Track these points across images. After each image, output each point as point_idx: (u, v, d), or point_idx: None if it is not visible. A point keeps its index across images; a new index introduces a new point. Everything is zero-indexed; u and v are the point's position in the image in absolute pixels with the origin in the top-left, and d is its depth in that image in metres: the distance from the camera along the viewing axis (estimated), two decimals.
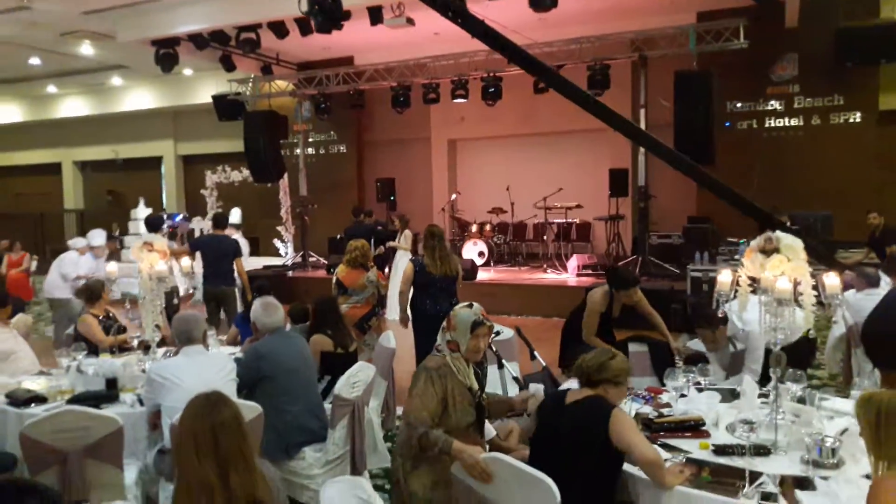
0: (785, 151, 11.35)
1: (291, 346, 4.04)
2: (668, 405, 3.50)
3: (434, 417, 2.97)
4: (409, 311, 5.96)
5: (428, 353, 5.66)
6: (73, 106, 18.71)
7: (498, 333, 4.58)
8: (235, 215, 12.14)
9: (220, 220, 8.16)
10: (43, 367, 4.75)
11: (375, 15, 10.31)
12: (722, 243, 10.17)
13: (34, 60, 14.66)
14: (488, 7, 9.89)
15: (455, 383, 3.09)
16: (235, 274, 7.65)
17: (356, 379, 3.96)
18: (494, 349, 4.31)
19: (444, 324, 3.22)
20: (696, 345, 4.68)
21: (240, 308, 7.42)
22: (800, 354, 4.23)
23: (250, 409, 3.46)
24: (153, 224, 8.55)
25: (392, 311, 10.54)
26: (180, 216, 12.79)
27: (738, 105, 11.78)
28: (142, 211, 13.30)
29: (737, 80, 11.27)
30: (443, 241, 5.91)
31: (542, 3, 9.32)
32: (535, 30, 11.62)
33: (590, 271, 11.75)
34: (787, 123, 11.53)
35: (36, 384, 4.06)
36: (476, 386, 3.18)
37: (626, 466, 2.79)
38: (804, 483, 2.62)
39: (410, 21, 10.60)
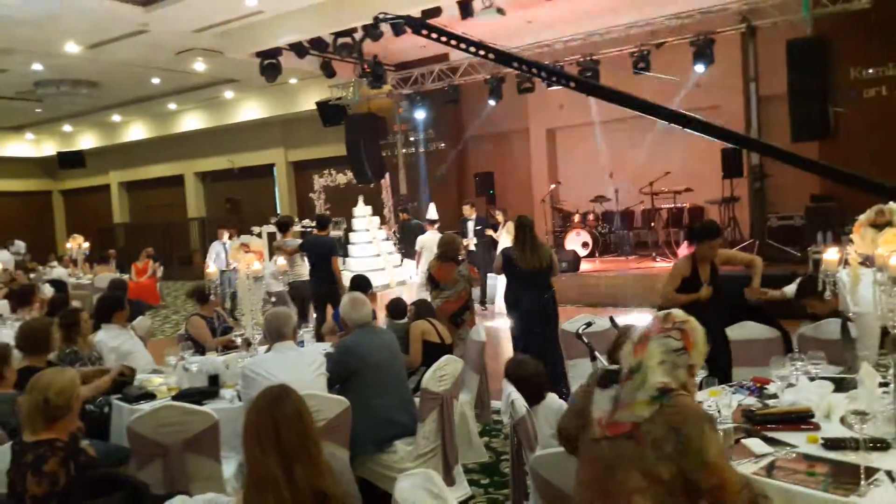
0: None
1: (379, 340, 4.07)
2: (774, 396, 3.23)
3: None
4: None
5: (520, 343, 5.64)
6: (191, 120, 19.93)
7: (590, 324, 4.44)
8: (432, 211, 11.97)
9: (322, 221, 8.52)
10: (159, 365, 5.05)
11: (465, 8, 10.27)
12: (848, 222, 9.36)
13: (155, 80, 15.73)
14: None
15: None
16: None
17: (443, 372, 3.94)
18: (587, 340, 4.17)
19: (681, 342, 2.21)
20: (812, 332, 4.30)
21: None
22: None
23: (338, 404, 3.52)
24: (284, 225, 9.16)
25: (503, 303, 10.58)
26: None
27: (864, 71, 10.81)
28: (360, 209, 13.90)
29: (860, 45, 10.31)
30: (533, 232, 5.77)
31: None
32: (632, 9, 11.20)
33: None
34: None
35: (149, 382, 4.33)
36: None
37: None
38: None
39: (501, 11, 10.50)
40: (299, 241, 8.90)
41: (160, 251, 17.41)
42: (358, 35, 11.42)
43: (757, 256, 4.96)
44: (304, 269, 8.37)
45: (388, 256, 13.33)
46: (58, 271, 13.26)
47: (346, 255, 13.00)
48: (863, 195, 8.49)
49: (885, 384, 3.04)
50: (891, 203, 2.98)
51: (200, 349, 5.12)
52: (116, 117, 20.34)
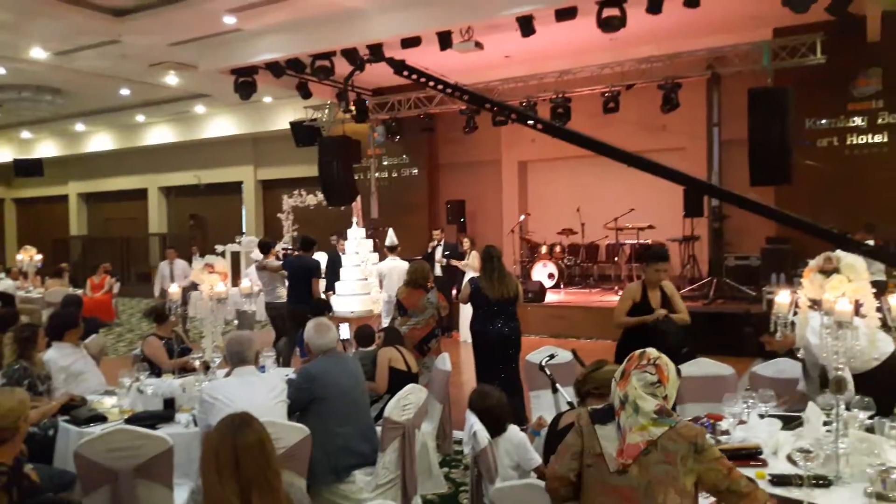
0: (868, 169, 10.75)
1: (343, 367, 4.05)
2: (726, 432, 3.32)
3: None
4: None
5: (484, 373, 5.67)
6: (159, 134, 19.70)
7: (552, 356, 4.49)
8: (391, 237, 11.81)
9: (307, 242, 8.54)
10: (111, 386, 4.93)
11: (445, 39, 10.40)
12: (801, 265, 9.65)
13: (124, 91, 15.54)
14: (559, 29, 9.85)
15: None
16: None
17: (407, 402, 3.93)
18: (549, 373, 4.21)
19: (657, 376, 2.45)
20: (765, 370, 4.42)
21: None
22: (884, 382, 3.93)
23: (298, 431, 3.48)
24: (265, 247, 9.24)
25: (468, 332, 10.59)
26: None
27: (818, 122, 11.25)
28: (353, 231, 13.77)
29: (815, 97, 10.76)
30: (500, 262, 5.83)
31: (610, 24, 9.17)
32: (605, 50, 11.50)
33: None
34: (870, 140, 10.92)
35: (100, 403, 4.21)
36: None
37: None
38: None
39: (479, 45, 10.66)
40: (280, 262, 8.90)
41: (118, 266, 17.09)
42: (336, 58, 11.46)
43: (687, 316, 5.02)
44: (283, 290, 8.42)
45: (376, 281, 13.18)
46: (5, 283, 12.77)
47: (336, 278, 12.86)
48: (814, 239, 8.86)
49: (829, 423, 3.15)
50: (838, 251, 3.12)
51: (156, 371, 5.01)
52: (80, 126, 19.99)
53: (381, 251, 13.90)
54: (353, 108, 12.94)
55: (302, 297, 7.90)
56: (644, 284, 4.98)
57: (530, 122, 9.79)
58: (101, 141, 20.85)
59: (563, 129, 9.96)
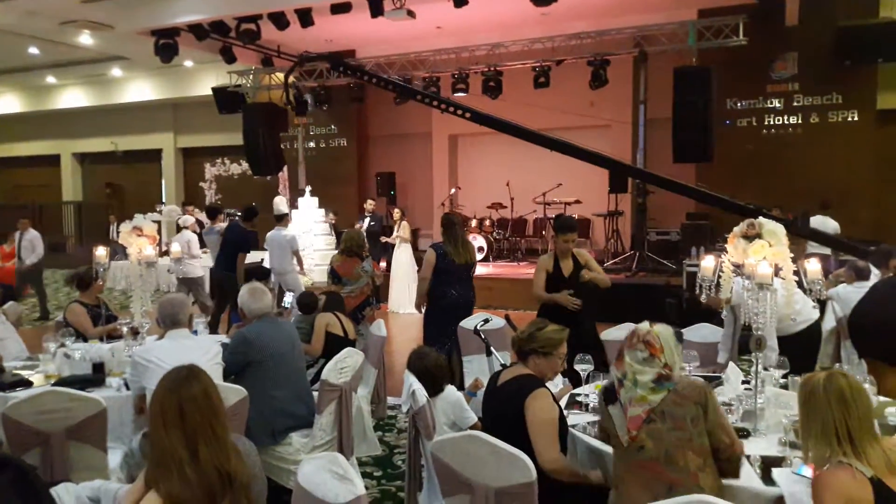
0: (784, 149, 11.32)
1: (279, 331, 4.02)
2: None
3: None
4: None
5: (439, 341, 5.66)
6: (72, 97, 18.69)
7: (487, 321, 4.59)
8: (282, 205, 11.61)
9: (247, 212, 8.52)
10: (31, 353, 4.74)
11: (376, 6, 10.24)
12: (719, 240, 10.16)
13: (33, 50, 14.63)
14: (492, 1, 9.89)
15: None
16: None
17: (344, 364, 3.95)
18: (483, 337, 4.31)
19: (647, 351, 2.50)
20: (689, 335, 4.64)
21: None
22: (810, 344, 4.24)
23: (235, 392, 3.45)
24: (214, 212, 9.45)
25: (398, 302, 10.57)
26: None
27: (738, 103, 11.75)
28: (305, 200, 13.46)
29: (737, 78, 11.23)
30: (462, 229, 5.87)
31: None
32: (537, 25, 11.62)
33: None
34: (786, 121, 11.50)
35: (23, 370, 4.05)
36: None
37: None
38: (781, 463, 2.64)
39: (411, 14, 10.55)
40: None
41: None
42: (263, 22, 11.14)
43: (606, 277, 5.21)
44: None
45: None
46: None
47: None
48: (732, 216, 9.34)
49: (747, 381, 3.37)
50: (760, 218, 3.30)
51: (81, 338, 4.83)
52: None
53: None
54: (292, 101, 12.66)
55: (228, 265, 7.94)
56: (556, 254, 5.09)
57: (459, 111, 10.26)
58: (7, 103, 19.62)
59: (491, 118, 10.47)
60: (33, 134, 20.44)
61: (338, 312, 5.11)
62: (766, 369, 3.25)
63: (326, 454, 2.30)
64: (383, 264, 11.21)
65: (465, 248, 5.76)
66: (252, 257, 8.70)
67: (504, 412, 2.94)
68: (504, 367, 4.11)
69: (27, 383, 3.82)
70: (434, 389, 3.47)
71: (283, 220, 9.45)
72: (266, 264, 9.32)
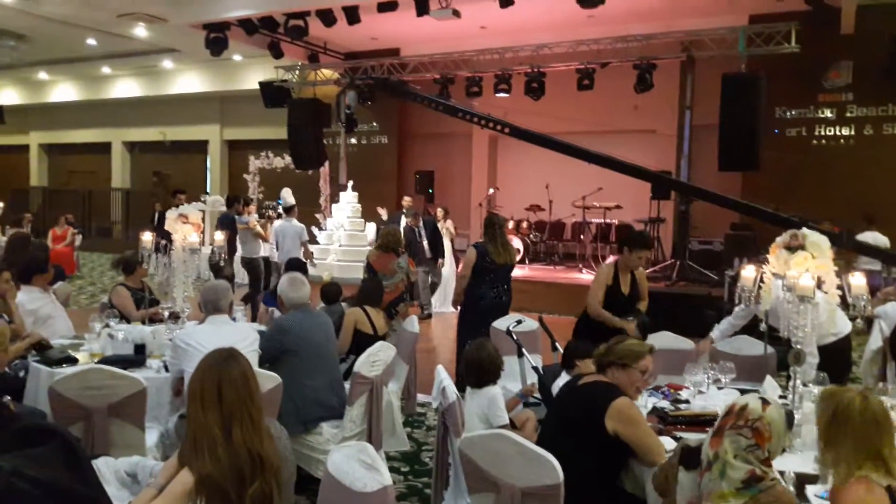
0: (835, 160, 11.05)
1: (315, 321, 4.09)
2: (686, 401, 3.46)
3: None
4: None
5: (470, 338, 5.62)
6: (125, 87, 19.19)
7: (520, 322, 4.59)
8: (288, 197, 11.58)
9: (228, 200, 9.44)
10: (78, 333, 4.90)
11: (422, 5, 10.33)
12: (763, 251, 9.95)
13: (91, 41, 15.07)
14: (537, 2, 9.87)
15: None
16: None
17: (376, 358, 3.99)
18: (515, 338, 4.31)
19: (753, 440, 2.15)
20: (723, 346, 4.58)
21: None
22: (838, 358, 4.13)
23: (270, 380, 3.52)
24: (230, 202, 9.65)
25: (434, 300, 10.60)
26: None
27: (788, 112, 11.49)
28: (347, 196, 13.82)
29: (787, 86, 10.99)
30: (503, 229, 5.88)
31: (590, 0, 9.23)
32: (583, 27, 11.55)
33: None
34: (838, 132, 11.21)
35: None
36: None
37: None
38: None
39: (456, 13, 10.61)
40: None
41: (79, 220, 16.68)
42: (310, 19, 11.30)
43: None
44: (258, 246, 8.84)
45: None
46: None
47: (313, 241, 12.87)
48: (779, 228, 9.14)
49: (784, 397, 3.31)
50: (804, 229, 3.24)
51: (125, 320, 4.98)
52: (43, 75, 19.36)
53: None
54: (343, 118, 13.61)
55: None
56: (617, 267, 4.92)
57: (498, 127, 10.54)
58: (64, 91, 20.22)
59: (530, 133, 11.00)
60: (86, 122, 21.05)
61: (368, 307, 5.07)
62: (804, 385, 3.18)
63: (356, 443, 2.34)
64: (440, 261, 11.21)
65: (506, 249, 5.77)
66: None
67: (579, 413, 2.84)
68: (535, 369, 4.13)
69: (73, 360, 3.96)
70: (477, 381, 3.48)
71: (291, 211, 9.71)
72: (273, 255, 9.55)
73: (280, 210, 10.99)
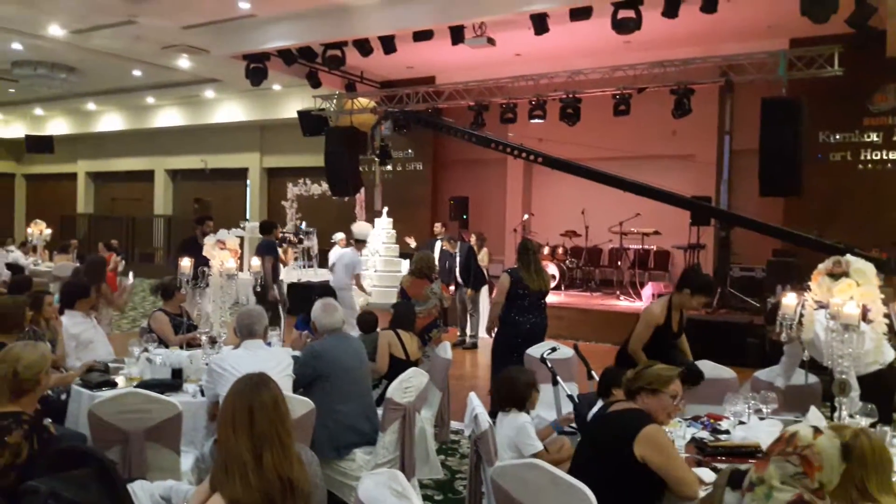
0: (882, 185, 10.77)
1: (348, 347, 4.10)
2: (726, 432, 3.35)
3: None
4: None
5: (503, 365, 5.57)
6: (168, 116, 19.73)
7: (555, 350, 4.52)
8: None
9: (264, 226, 9.17)
10: (118, 357, 4.98)
11: (457, 34, 10.44)
12: (807, 279, 9.70)
13: (136, 72, 15.59)
14: (572, 29, 9.90)
15: None
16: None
17: (409, 384, 3.98)
18: (550, 366, 4.25)
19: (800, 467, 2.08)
20: (765, 375, 4.45)
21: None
22: (883, 387, 3.97)
23: (303, 405, 3.53)
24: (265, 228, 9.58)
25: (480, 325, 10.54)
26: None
27: (832, 136, 11.27)
28: (382, 221, 14.02)
29: (831, 110, 10.79)
30: (537, 255, 5.87)
31: (625, 26, 9.21)
32: (620, 52, 11.54)
33: None
34: (885, 156, 10.94)
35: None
36: None
37: None
38: None
39: (491, 41, 10.69)
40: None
41: (122, 246, 17.11)
42: (347, 48, 11.51)
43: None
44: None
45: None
46: (15, 255, 12.94)
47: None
48: (822, 255, 8.91)
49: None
50: (848, 255, 3.14)
51: (163, 344, 5.06)
52: (91, 105, 20.03)
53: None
54: (377, 150, 13.92)
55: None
56: (669, 305, 4.68)
57: (531, 157, 10.69)
58: (111, 121, 20.90)
59: (563, 162, 11.40)
60: (131, 150, 21.67)
61: (400, 330, 5.08)
62: (850, 416, 3.06)
63: (387, 470, 2.31)
64: (452, 288, 11.23)
65: (540, 276, 5.72)
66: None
67: (609, 439, 2.79)
68: (570, 397, 4.06)
69: (113, 384, 4.02)
70: (505, 402, 3.44)
71: (360, 244, 9.86)
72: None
73: (342, 238, 11.40)
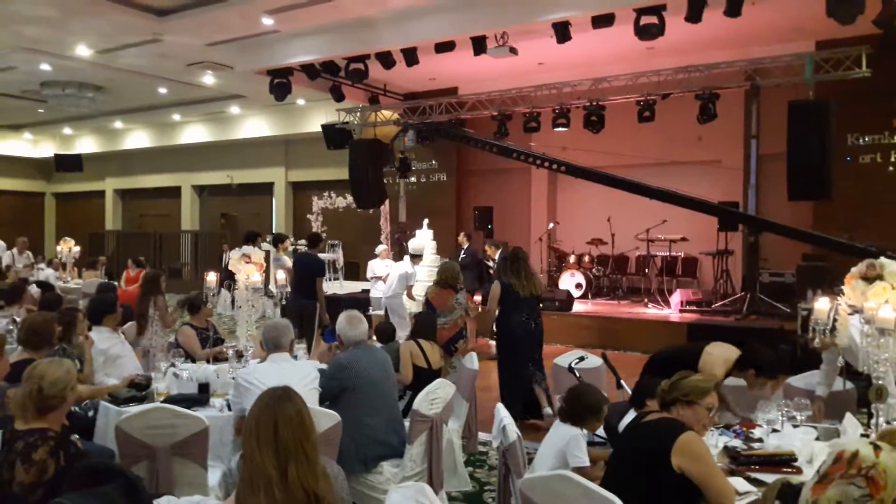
0: None
1: (374, 359, 4.08)
2: (759, 440, 3.27)
3: None
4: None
5: (510, 371, 5.78)
6: (194, 133, 20.01)
7: (582, 359, 4.47)
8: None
9: (313, 239, 9.04)
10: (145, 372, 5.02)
11: (479, 45, 10.45)
12: (837, 283, 9.49)
13: (162, 90, 15.84)
14: (595, 36, 9.85)
15: None
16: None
17: (435, 396, 3.94)
18: (578, 375, 4.19)
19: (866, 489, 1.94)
20: (798, 382, 4.34)
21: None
22: None
23: (329, 418, 3.51)
24: (279, 238, 9.97)
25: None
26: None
27: (861, 138, 11.05)
28: (422, 232, 14.07)
29: (859, 112, 10.56)
30: (527, 263, 6.22)
31: (648, 32, 9.14)
32: (643, 58, 11.46)
33: (693, 307, 11.28)
34: None
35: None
36: None
37: None
38: None
39: (513, 51, 10.69)
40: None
41: (150, 261, 17.33)
42: (370, 62, 11.58)
43: None
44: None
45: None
46: (45, 272, 13.14)
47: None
48: (853, 259, 8.72)
49: (866, 435, 3.08)
50: (882, 258, 3.06)
51: (190, 359, 5.09)
52: (118, 124, 20.39)
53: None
54: (397, 163, 14.12)
55: (304, 293, 7.99)
56: (729, 368, 4.04)
57: (554, 166, 10.74)
58: (137, 138, 21.25)
59: (586, 171, 11.56)
60: (158, 167, 22.01)
61: (421, 340, 5.08)
62: (888, 423, 2.97)
63: (414, 484, 2.29)
64: (478, 298, 11.19)
65: (530, 282, 6.08)
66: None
67: (644, 450, 2.73)
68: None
69: (141, 399, 4.04)
70: (568, 419, 3.41)
71: (417, 258, 10.61)
72: (377, 291, 10.49)
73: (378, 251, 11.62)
